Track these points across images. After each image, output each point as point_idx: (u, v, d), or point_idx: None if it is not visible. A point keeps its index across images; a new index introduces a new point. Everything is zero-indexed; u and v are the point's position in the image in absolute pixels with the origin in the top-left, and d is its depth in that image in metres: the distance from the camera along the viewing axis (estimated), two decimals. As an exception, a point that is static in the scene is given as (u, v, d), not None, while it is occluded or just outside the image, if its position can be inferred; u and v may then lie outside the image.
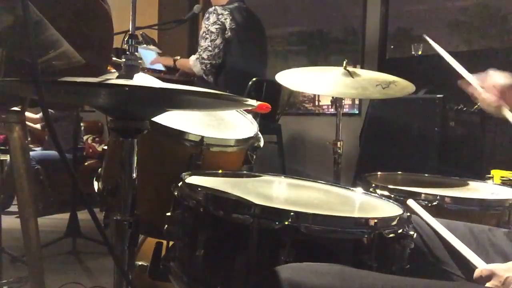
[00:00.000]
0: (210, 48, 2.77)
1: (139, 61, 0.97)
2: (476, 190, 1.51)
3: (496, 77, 1.15)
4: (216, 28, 2.77)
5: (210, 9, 2.84)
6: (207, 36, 2.78)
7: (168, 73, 3.13)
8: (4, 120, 1.38)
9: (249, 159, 1.39)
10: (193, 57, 2.86)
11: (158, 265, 1.04)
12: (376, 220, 0.86)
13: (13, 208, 3.34)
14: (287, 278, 0.73)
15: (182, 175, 1.06)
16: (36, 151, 3.77)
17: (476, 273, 0.83)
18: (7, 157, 3.29)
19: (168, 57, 3.20)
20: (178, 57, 3.09)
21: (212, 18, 2.78)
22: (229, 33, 2.78)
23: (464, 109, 2.75)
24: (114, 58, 1.80)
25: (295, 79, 1.77)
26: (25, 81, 0.80)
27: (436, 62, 3.49)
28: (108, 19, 1.39)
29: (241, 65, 2.84)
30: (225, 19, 2.77)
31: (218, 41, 2.77)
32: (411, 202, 1.12)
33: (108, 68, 2.44)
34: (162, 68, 3.35)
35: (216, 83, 2.84)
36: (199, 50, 2.82)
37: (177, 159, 1.25)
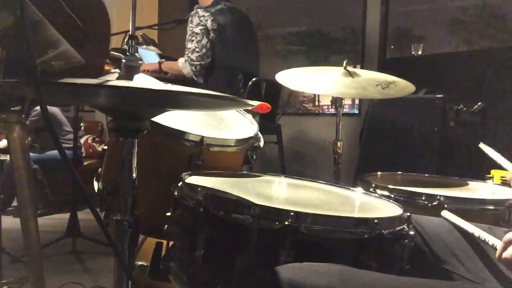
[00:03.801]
0: (197, 49, 2.79)
1: (139, 61, 0.97)
2: (476, 190, 1.51)
3: None
4: (200, 29, 2.79)
5: (192, 12, 2.85)
6: (193, 38, 2.80)
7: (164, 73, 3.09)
8: (4, 120, 1.38)
9: (249, 159, 1.39)
10: (181, 60, 2.86)
11: (158, 265, 1.04)
12: (376, 220, 0.86)
13: (13, 208, 3.34)
14: (287, 278, 0.73)
15: (182, 175, 1.06)
16: (33, 152, 3.77)
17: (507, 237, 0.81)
18: (7, 157, 3.29)
19: (152, 63, 3.16)
20: (163, 60, 3.08)
21: (195, 20, 2.80)
22: (212, 34, 2.79)
23: (464, 109, 2.75)
24: (112, 52, 1.79)
25: (295, 79, 1.77)
26: (25, 81, 0.80)
27: (436, 62, 3.51)
28: (105, 14, 1.39)
29: (229, 65, 2.85)
30: (206, 20, 2.79)
31: (204, 41, 2.79)
32: (446, 213, 1.09)
33: (108, 68, 2.44)
34: None
35: (206, 85, 2.85)
36: (186, 52, 2.83)
37: (177, 159, 1.25)
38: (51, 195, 3.90)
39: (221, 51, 2.82)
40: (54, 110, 3.91)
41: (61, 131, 4.01)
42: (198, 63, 2.81)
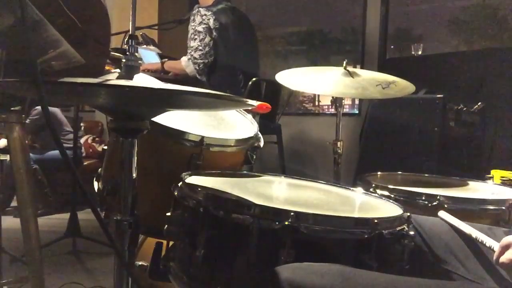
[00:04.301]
0: (200, 48, 2.79)
1: (139, 61, 0.97)
2: (476, 190, 1.51)
3: None
4: (203, 28, 2.78)
5: (194, 11, 2.85)
6: (196, 36, 2.79)
7: (165, 72, 3.09)
8: (4, 120, 1.38)
9: (249, 159, 1.39)
10: (184, 58, 2.86)
11: (158, 265, 1.04)
12: (376, 220, 0.86)
13: (13, 208, 3.34)
14: (287, 278, 0.73)
15: (182, 175, 1.06)
16: (33, 152, 3.76)
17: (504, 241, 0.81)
18: (7, 157, 3.28)
19: (153, 62, 3.15)
20: (166, 60, 3.07)
21: (198, 19, 2.80)
22: (214, 33, 2.79)
23: (464, 109, 2.75)
24: (112, 52, 1.79)
25: (295, 79, 1.77)
26: (25, 81, 0.80)
27: (436, 62, 3.51)
28: (105, 15, 1.39)
29: (230, 64, 2.85)
30: (209, 19, 2.79)
31: (207, 40, 2.79)
32: (442, 214, 1.09)
33: (109, 68, 2.44)
34: None
35: (209, 83, 2.85)
36: (189, 51, 2.82)
37: (177, 159, 1.25)
38: (51, 195, 3.89)
39: (222, 51, 2.82)
40: (54, 110, 3.91)
41: (61, 131, 4.01)
42: (201, 61, 2.80)
